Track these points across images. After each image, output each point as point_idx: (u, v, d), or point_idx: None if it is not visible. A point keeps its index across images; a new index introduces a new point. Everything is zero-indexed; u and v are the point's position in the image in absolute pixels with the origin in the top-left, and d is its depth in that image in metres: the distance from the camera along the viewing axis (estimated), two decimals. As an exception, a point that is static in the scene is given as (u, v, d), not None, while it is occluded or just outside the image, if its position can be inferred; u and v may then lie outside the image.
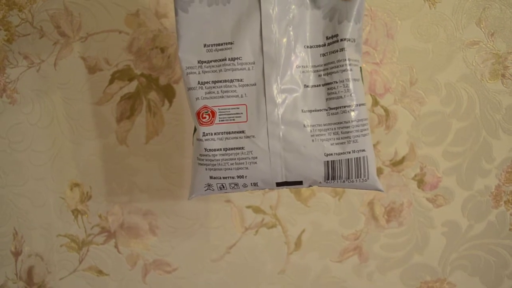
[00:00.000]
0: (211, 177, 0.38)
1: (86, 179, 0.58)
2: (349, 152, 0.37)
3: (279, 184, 0.39)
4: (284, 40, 0.37)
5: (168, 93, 0.55)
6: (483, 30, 0.52)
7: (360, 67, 0.39)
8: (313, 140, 0.37)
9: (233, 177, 0.38)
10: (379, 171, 0.56)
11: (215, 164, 0.38)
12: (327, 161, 0.37)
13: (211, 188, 0.39)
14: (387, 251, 0.59)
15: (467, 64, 0.53)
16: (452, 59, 0.53)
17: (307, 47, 0.38)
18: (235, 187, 0.39)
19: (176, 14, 0.37)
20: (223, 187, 0.39)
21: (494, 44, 0.52)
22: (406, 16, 0.52)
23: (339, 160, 0.37)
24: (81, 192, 0.59)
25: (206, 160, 0.38)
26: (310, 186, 0.39)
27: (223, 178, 0.38)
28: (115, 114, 0.56)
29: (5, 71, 0.56)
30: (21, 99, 0.57)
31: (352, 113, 0.37)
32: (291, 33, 0.37)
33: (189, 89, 0.38)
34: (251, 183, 0.38)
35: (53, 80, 0.56)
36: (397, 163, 0.55)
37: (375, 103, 0.54)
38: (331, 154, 0.37)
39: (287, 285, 0.60)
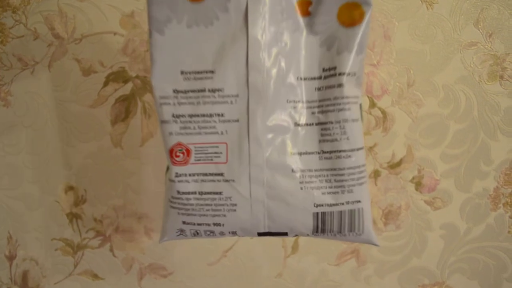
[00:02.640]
0: (184, 222, 0.34)
1: (80, 182, 0.57)
2: (343, 204, 0.33)
3: (260, 234, 0.34)
4: (274, 70, 0.32)
5: (163, 95, 0.54)
6: (481, 31, 0.52)
7: (360, 104, 0.34)
8: (302, 188, 0.32)
9: (208, 224, 0.34)
10: (377, 174, 0.55)
11: (188, 209, 0.33)
12: (317, 213, 0.33)
13: (183, 234, 0.35)
14: (385, 254, 0.58)
15: (465, 65, 0.52)
16: (450, 61, 0.52)
17: (300, 79, 0.33)
18: (211, 234, 0.35)
19: (150, 36, 0.32)
20: (197, 233, 0.35)
21: (492, 45, 0.52)
22: (403, 17, 0.51)
23: (331, 212, 0.33)
24: (75, 195, 0.58)
25: (178, 203, 0.34)
26: (296, 236, 0.35)
27: (198, 224, 0.34)
28: (109, 116, 0.55)
29: (-2, 73, 0.56)
30: (15, 101, 0.56)
31: (348, 159, 0.32)
32: (282, 62, 0.32)
33: (162, 122, 0.33)
34: (229, 232, 0.34)
35: (48, 82, 0.55)
36: (394, 166, 0.55)
37: (372, 105, 0.53)
38: (322, 205, 0.33)
39: (284, 288, 0.60)
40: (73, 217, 0.59)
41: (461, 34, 0.52)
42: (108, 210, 0.58)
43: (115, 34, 0.53)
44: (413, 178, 0.55)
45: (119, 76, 0.54)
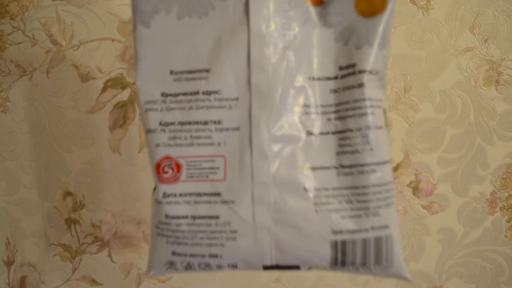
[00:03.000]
0: (174, 253, 0.28)
1: (79, 188, 0.58)
2: (367, 230, 0.27)
3: (267, 268, 0.28)
4: (281, 68, 0.27)
5: (161, 101, 0.54)
6: (476, 36, 0.52)
7: (384, 109, 0.28)
8: (316, 211, 0.27)
9: (203, 256, 0.28)
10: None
11: (179, 237, 0.27)
12: (336, 241, 0.27)
13: (174, 267, 0.29)
14: (383, 259, 0.58)
15: (461, 70, 0.53)
16: (446, 66, 0.53)
17: (313, 79, 0.28)
18: (206, 268, 0.28)
19: (135, 29, 0.27)
20: (190, 266, 0.28)
21: (488, 51, 0.52)
22: (399, 23, 0.52)
23: (353, 240, 0.27)
24: (74, 201, 0.58)
25: (167, 230, 0.28)
26: (310, 269, 0.29)
27: (190, 255, 0.28)
28: (108, 122, 0.55)
29: (-3, 80, 0.56)
30: (13, 107, 0.56)
31: (372, 175, 0.27)
32: (291, 59, 0.27)
33: (148, 131, 0.28)
34: (229, 265, 0.28)
35: (46, 88, 0.55)
36: (392, 170, 0.55)
37: (369, 110, 0.54)
38: (342, 232, 0.27)
39: (283, 293, 0.60)
40: (71, 222, 0.59)
41: (457, 39, 0.52)
42: (107, 215, 0.58)
43: (113, 40, 0.53)
44: (410, 182, 0.56)
45: (117, 83, 0.54)
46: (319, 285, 0.59)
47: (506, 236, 0.57)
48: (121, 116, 0.55)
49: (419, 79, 0.53)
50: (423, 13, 0.52)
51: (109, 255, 0.59)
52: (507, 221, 0.57)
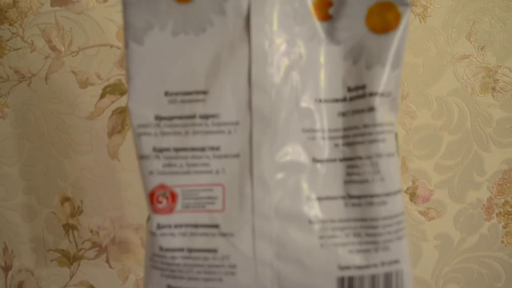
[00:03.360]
0: (169, 287, 0.26)
1: (77, 193, 0.58)
2: (376, 265, 0.25)
3: None
4: (285, 90, 0.25)
5: (159, 107, 0.54)
6: (473, 44, 0.53)
7: (396, 134, 0.27)
8: (322, 245, 0.25)
9: None
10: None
11: (174, 270, 0.26)
12: (343, 278, 0.25)
13: None
14: (380, 264, 0.59)
15: (457, 78, 0.53)
16: (443, 73, 0.53)
17: (320, 101, 0.26)
18: None
19: (126, 46, 0.25)
20: None
21: (484, 58, 0.53)
22: (396, 30, 0.52)
23: (361, 276, 0.25)
24: (72, 206, 0.58)
25: (161, 263, 0.26)
26: None
27: None
28: (106, 128, 0.55)
29: (-5, 85, 0.56)
30: (12, 113, 0.56)
31: (382, 207, 0.25)
32: (296, 79, 0.25)
33: (141, 157, 0.26)
34: None
35: (44, 94, 0.55)
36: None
37: (367, 116, 0.54)
38: (349, 268, 0.25)
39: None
40: (69, 228, 0.59)
41: (453, 47, 0.52)
42: (105, 221, 0.58)
43: (111, 46, 0.54)
44: (408, 189, 0.56)
45: (116, 89, 0.54)
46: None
47: (502, 242, 0.58)
48: (120, 122, 0.55)
49: (416, 86, 0.53)
50: (420, 21, 0.52)
51: (107, 261, 0.59)
52: (504, 227, 0.57)
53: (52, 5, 0.53)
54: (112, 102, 0.55)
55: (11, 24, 0.54)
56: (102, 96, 0.55)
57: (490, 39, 0.52)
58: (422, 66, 0.53)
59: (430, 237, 0.57)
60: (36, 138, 0.57)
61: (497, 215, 0.57)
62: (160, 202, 0.26)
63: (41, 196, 0.58)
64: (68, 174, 0.57)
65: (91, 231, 0.59)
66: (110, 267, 0.60)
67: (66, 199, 0.58)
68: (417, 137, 0.54)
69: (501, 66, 0.53)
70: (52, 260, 0.60)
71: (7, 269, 0.62)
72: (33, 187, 0.58)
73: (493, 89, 0.54)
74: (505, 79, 0.53)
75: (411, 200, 0.56)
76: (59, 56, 0.54)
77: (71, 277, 0.61)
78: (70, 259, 0.60)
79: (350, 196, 0.25)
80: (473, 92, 0.53)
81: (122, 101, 0.55)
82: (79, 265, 0.60)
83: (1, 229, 0.60)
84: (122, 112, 0.55)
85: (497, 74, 0.53)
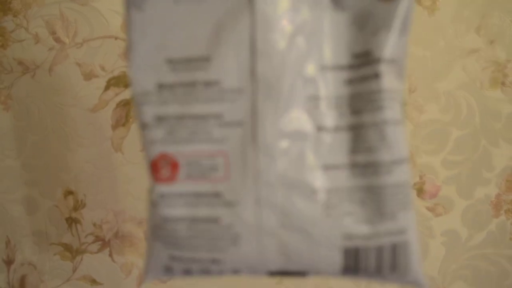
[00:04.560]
0: (171, 258, 0.26)
1: (80, 186, 0.57)
2: (382, 235, 0.25)
3: (272, 274, 0.27)
4: (289, 56, 0.24)
5: (164, 100, 0.54)
6: (482, 38, 0.52)
7: (402, 102, 0.26)
8: (327, 214, 0.24)
9: (203, 261, 0.26)
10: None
11: (177, 240, 0.26)
12: (348, 248, 0.25)
13: (171, 272, 0.27)
14: (386, 261, 0.58)
15: (466, 72, 0.52)
16: (452, 67, 0.52)
17: (325, 68, 0.25)
18: (207, 273, 0.27)
19: (127, 13, 0.25)
20: (189, 272, 0.27)
21: (493, 52, 0.52)
22: (405, 23, 0.51)
23: (366, 246, 0.25)
24: (75, 200, 0.58)
25: (164, 233, 0.26)
26: (318, 275, 0.27)
27: (189, 260, 0.26)
28: (110, 121, 0.55)
29: (-1, 77, 0.56)
30: (16, 105, 0.56)
31: (389, 175, 0.24)
32: (301, 45, 0.24)
33: (142, 126, 0.26)
34: (230, 270, 0.26)
35: (48, 86, 0.55)
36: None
37: (374, 111, 0.53)
38: (354, 237, 0.25)
39: (285, 295, 0.60)
40: (72, 221, 0.59)
41: (462, 41, 0.52)
42: (108, 215, 0.58)
43: (116, 38, 0.53)
44: (415, 184, 0.55)
45: (120, 81, 0.54)
46: (321, 286, 0.59)
47: (510, 239, 0.57)
48: (124, 114, 0.55)
49: (424, 80, 0.53)
50: (428, 14, 0.51)
51: (110, 255, 0.59)
52: (512, 224, 0.57)
53: (56, -4, 0.53)
54: (116, 94, 0.54)
55: (15, 16, 0.54)
56: (106, 88, 0.54)
57: (500, 33, 0.52)
58: (431, 59, 0.52)
59: (437, 233, 0.57)
60: (40, 131, 0.56)
61: (505, 211, 0.56)
62: (163, 171, 0.25)
63: (44, 189, 0.58)
64: (72, 167, 0.57)
65: (94, 224, 0.58)
66: (113, 261, 0.59)
67: (69, 192, 0.58)
68: (424, 132, 0.54)
69: (510, 60, 0.52)
70: (54, 254, 0.60)
71: (9, 262, 0.61)
72: (36, 180, 0.58)
73: (503, 84, 0.53)
74: (514, 73, 0.53)
75: (418, 195, 0.55)
76: (63, 48, 0.54)
77: (73, 271, 0.60)
78: (73, 253, 0.60)
79: (356, 165, 0.25)
80: (482, 86, 0.53)
81: (126, 94, 0.54)
82: (81, 259, 0.60)
83: (3, 222, 0.60)
84: (126, 104, 0.54)
85: (507, 68, 0.53)
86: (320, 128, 0.25)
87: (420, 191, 0.55)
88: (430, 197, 0.55)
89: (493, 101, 0.53)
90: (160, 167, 0.25)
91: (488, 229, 0.57)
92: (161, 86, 0.25)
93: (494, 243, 0.57)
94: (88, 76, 0.54)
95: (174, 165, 0.25)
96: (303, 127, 0.25)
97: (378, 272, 0.25)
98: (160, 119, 0.25)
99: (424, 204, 0.56)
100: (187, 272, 0.27)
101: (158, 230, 0.26)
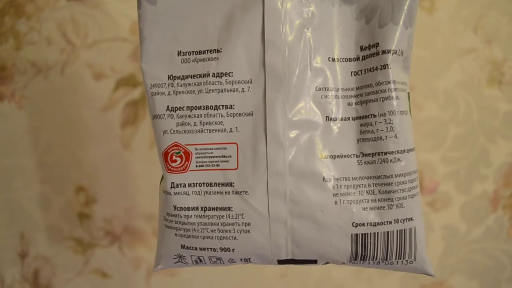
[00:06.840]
0: (183, 246, 0.27)
1: (91, 183, 0.59)
2: (390, 222, 0.25)
3: (282, 262, 0.27)
4: (298, 48, 0.25)
5: (171, 99, 0.56)
6: (479, 37, 0.53)
7: (408, 93, 0.27)
8: (336, 202, 0.25)
9: (214, 249, 0.26)
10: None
11: (188, 229, 0.26)
12: (356, 235, 0.25)
13: (183, 261, 0.28)
14: (387, 255, 0.59)
15: (464, 71, 0.54)
16: (450, 66, 0.54)
17: (333, 60, 0.26)
18: (218, 262, 0.27)
19: (139, 6, 0.26)
20: (200, 260, 0.27)
21: (491, 52, 0.53)
22: (404, 24, 0.53)
23: (374, 233, 0.25)
24: (86, 196, 0.60)
25: (176, 222, 0.27)
26: (327, 263, 0.28)
27: (200, 249, 0.27)
28: (120, 120, 0.57)
29: (13, 78, 0.58)
30: (29, 105, 0.58)
31: (397, 164, 0.25)
32: (309, 38, 0.25)
33: (154, 117, 0.26)
34: (241, 258, 0.27)
35: (60, 86, 0.57)
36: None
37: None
38: (363, 224, 0.25)
39: (288, 288, 0.61)
40: (83, 217, 0.61)
41: (460, 40, 0.53)
42: (118, 210, 0.60)
43: (125, 40, 0.55)
44: (414, 180, 0.57)
45: (129, 81, 0.56)
46: (323, 280, 0.61)
47: (508, 233, 0.58)
48: (133, 113, 0.57)
49: (423, 78, 0.54)
50: (427, 15, 0.53)
51: (120, 249, 0.61)
52: (510, 219, 0.58)
53: None
54: (125, 94, 0.56)
55: (28, 19, 0.56)
56: (116, 88, 0.56)
57: (497, 32, 0.53)
58: (429, 59, 0.53)
59: (436, 228, 0.58)
60: (52, 130, 0.58)
61: (503, 207, 0.58)
62: (174, 161, 0.26)
63: (57, 186, 0.60)
64: (83, 165, 0.59)
65: (105, 220, 0.60)
66: (123, 255, 0.61)
67: (81, 188, 0.60)
68: (423, 129, 0.55)
69: (507, 59, 0.54)
70: (67, 248, 0.62)
71: (23, 256, 0.64)
72: (49, 177, 0.60)
73: (500, 82, 0.54)
74: (511, 72, 0.54)
75: (417, 191, 0.57)
76: (74, 49, 0.56)
77: (85, 264, 0.62)
78: (84, 247, 0.62)
79: (364, 154, 0.26)
80: (479, 85, 0.54)
81: (135, 93, 0.56)
82: (92, 253, 0.62)
83: (18, 217, 0.62)
84: (135, 104, 0.56)
85: (504, 67, 0.54)
86: (328, 118, 0.26)
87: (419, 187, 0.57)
88: (429, 193, 0.57)
89: (490, 99, 0.54)
90: (172, 157, 0.26)
91: (486, 224, 0.58)
92: (173, 78, 0.26)
93: (492, 237, 0.58)
94: (98, 76, 0.56)
95: (186, 155, 0.26)
96: (312, 117, 0.26)
97: (385, 259, 0.26)
98: (172, 110, 0.26)
99: (423, 200, 0.57)
100: (199, 261, 0.28)
101: (170, 219, 0.27)
